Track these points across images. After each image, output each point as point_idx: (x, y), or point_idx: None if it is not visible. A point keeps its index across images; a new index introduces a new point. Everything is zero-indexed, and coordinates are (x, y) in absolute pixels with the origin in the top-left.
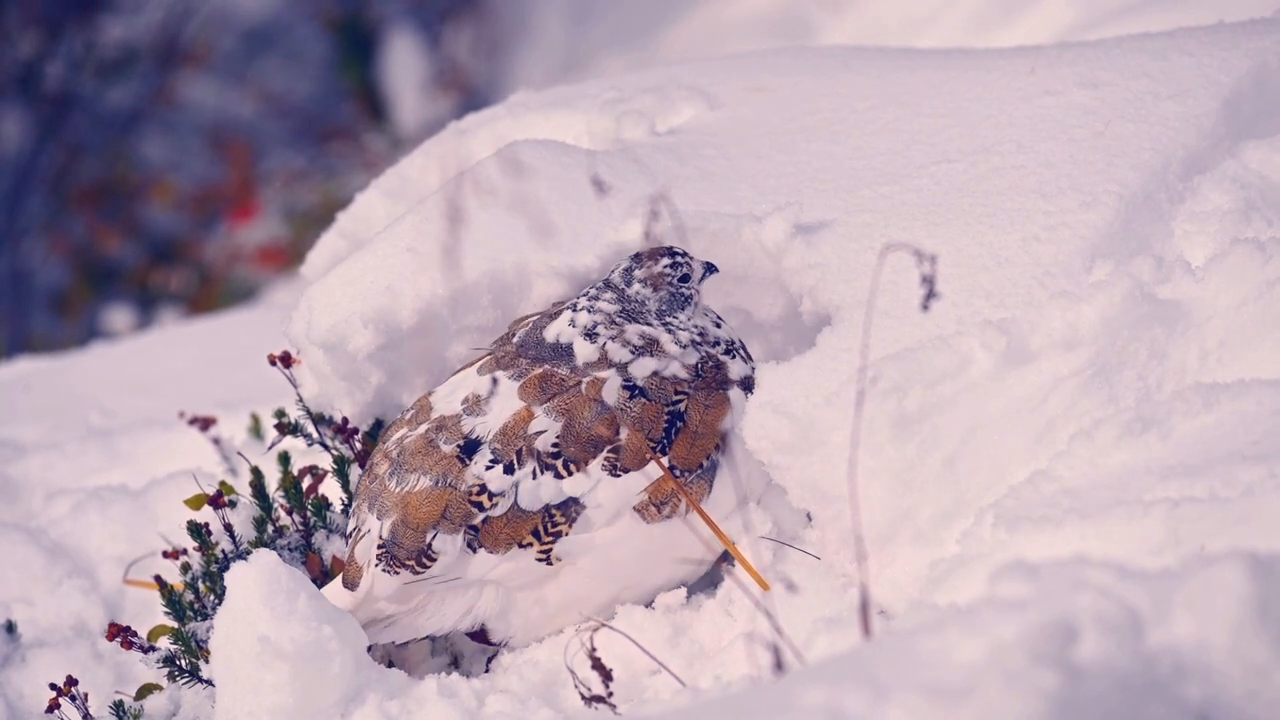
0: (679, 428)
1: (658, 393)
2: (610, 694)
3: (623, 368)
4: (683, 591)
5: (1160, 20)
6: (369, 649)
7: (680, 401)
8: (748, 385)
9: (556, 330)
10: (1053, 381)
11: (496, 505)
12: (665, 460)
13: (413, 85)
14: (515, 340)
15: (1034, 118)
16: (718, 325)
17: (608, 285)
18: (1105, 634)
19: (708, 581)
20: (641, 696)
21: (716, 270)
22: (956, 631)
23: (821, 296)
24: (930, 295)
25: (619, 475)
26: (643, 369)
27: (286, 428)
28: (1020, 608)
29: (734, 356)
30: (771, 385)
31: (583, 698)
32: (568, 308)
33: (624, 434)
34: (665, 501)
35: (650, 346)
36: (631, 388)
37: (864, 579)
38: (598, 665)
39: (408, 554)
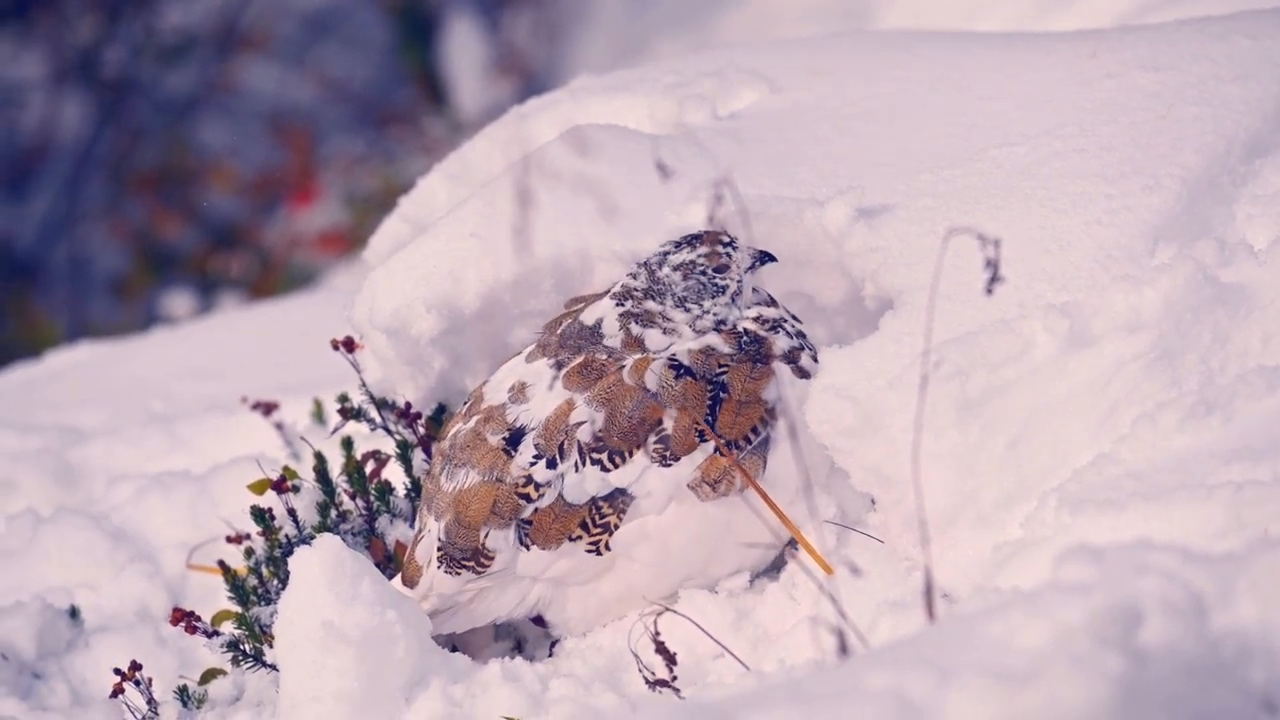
0: (722, 399)
1: (702, 369)
2: (674, 678)
3: (640, 343)
4: (746, 576)
5: (1221, 3)
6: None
7: (724, 373)
8: (793, 359)
9: (596, 314)
10: (1115, 365)
11: (543, 496)
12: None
13: (472, 70)
14: (560, 330)
15: (1096, 101)
16: (770, 304)
17: (644, 264)
18: (1170, 617)
19: (770, 565)
20: (705, 680)
21: (773, 259)
22: (1021, 615)
23: (884, 280)
24: (994, 279)
25: (669, 465)
26: (659, 343)
27: (349, 413)
28: (1085, 591)
29: (777, 332)
30: (834, 369)
31: (646, 682)
32: (609, 290)
33: (669, 421)
34: (720, 479)
35: (663, 325)
36: (677, 367)
37: (928, 562)
38: (661, 649)
39: (464, 554)
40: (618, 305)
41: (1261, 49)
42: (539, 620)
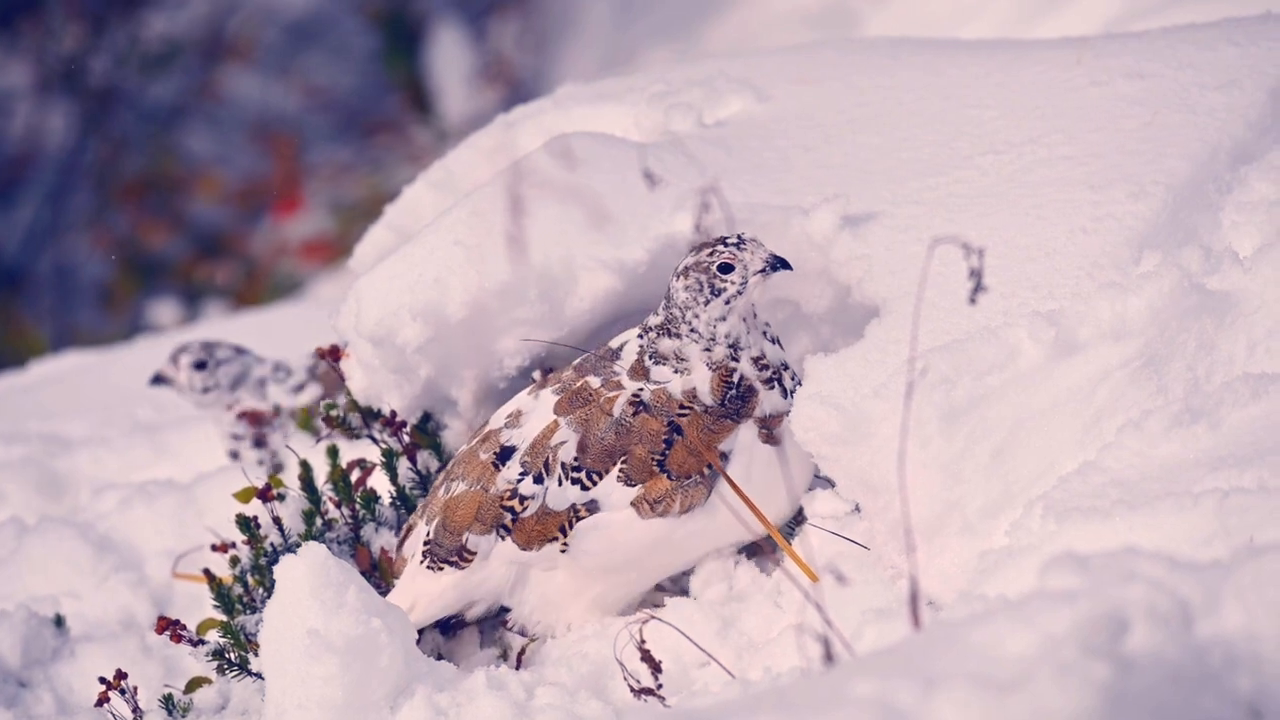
0: (676, 439)
1: (660, 409)
2: (659, 686)
3: (648, 375)
4: (729, 584)
5: (1207, 11)
6: (417, 640)
7: (683, 416)
8: (769, 425)
9: (622, 339)
10: (1101, 373)
11: (527, 508)
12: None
13: (458, 78)
14: (576, 360)
15: (1081, 109)
16: (774, 343)
17: (665, 294)
18: (1156, 625)
19: (756, 573)
20: (691, 688)
21: (789, 267)
22: (1007, 623)
23: (869, 288)
24: (978, 289)
25: (632, 485)
26: (665, 379)
27: (335, 421)
28: (1071, 599)
29: (772, 386)
30: (820, 377)
31: (632, 690)
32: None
33: (632, 448)
34: (660, 499)
35: (676, 365)
36: (638, 404)
37: (913, 570)
38: (647, 657)
39: (448, 552)
40: (639, 337)
41: (1246, 56)
42: (503, 611)
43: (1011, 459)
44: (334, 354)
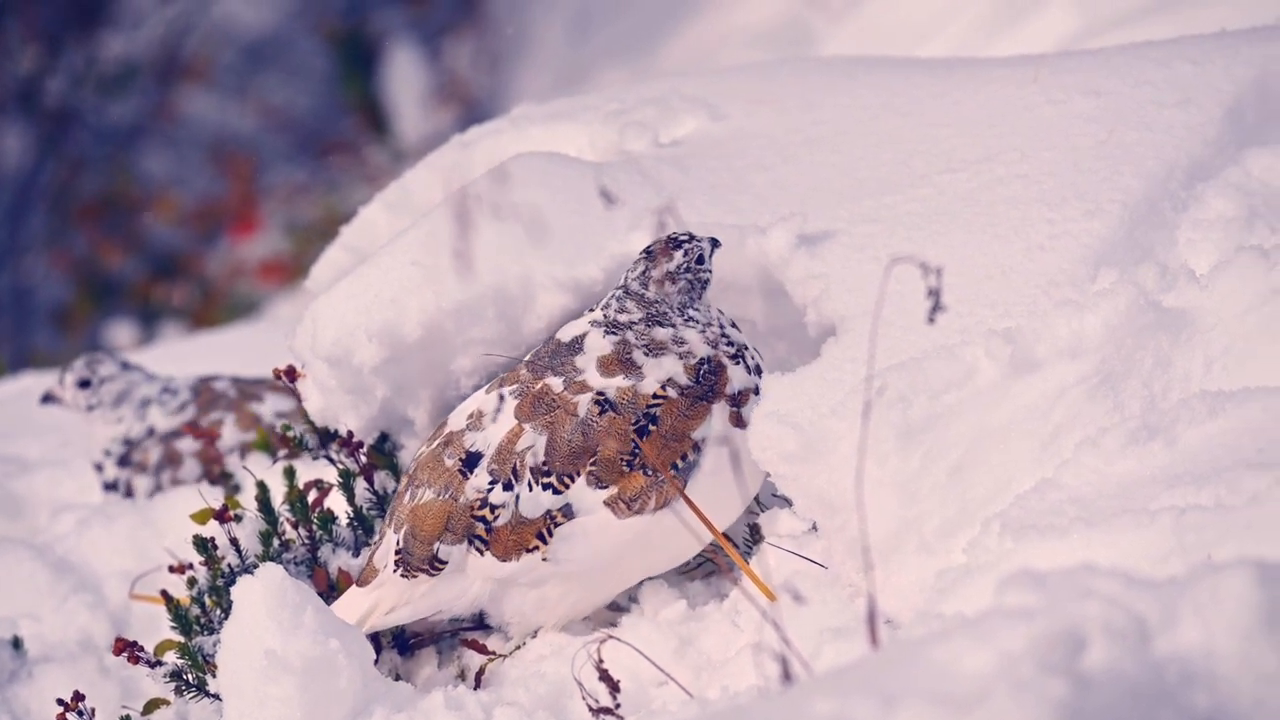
0: (650, 430)
1: (628, 406)
2: (617, 705)
3: (637, 370)
4: (687, 603)
5: (1163, 28)
6: (375, 661)
7: (655, 407)
8: (739, 402)
9: (573, 332)
10: (1058, 390)
11: (499, 517)
12: (638, 459)
13: (414, 98)
14: (526, 357)
15: (1037, 126)
16: (734, 327)
17: (628, 294)
18: (1113, 643)
19: (714, 592)
20: (649, 708)
21: (720, 244)
22: (964, 641)
23: (826, 307)
24: (936, 307)
25: (604, 488)
26: (662, 372)
27: (291, 442)
28: (1028, 617)
29: (738, 362)
30: (777, 396)
31: (590, 709)
32: (588, 315)
33: (601, 449)
34: (636, 498)
35: (678, 346)
36: (603, 403)
37: (871, 589)
38: (605, 677)
39: (420, 561)
40: (608, 333)
41: (1203, 74)
42: (481, 618)
43: (969, 477)
44: (290, 375)
